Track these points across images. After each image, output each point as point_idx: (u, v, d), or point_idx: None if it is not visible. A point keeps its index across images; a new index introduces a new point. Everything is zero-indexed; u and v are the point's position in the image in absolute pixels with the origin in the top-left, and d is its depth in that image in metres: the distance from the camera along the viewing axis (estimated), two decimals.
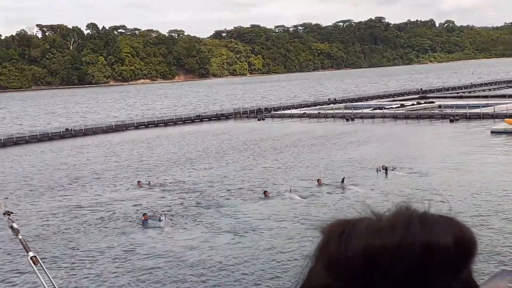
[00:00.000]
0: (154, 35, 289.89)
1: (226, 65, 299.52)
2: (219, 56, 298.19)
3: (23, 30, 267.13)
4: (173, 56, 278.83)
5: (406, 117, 71.04)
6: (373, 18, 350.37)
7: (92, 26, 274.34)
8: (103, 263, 24.14)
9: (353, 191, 33.57)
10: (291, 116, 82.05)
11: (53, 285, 4.74)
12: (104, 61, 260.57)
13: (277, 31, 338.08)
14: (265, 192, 33.84)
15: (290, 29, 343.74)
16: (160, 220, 29.44)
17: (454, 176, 35.80)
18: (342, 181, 35.20)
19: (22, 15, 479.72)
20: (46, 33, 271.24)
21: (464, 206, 28.20)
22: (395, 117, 71.69)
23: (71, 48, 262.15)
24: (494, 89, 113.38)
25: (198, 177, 41.10)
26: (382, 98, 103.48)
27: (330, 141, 55.33)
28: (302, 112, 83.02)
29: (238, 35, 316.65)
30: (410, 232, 1.02)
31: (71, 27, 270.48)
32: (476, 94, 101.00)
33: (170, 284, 21.45)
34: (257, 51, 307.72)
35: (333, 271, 1.04)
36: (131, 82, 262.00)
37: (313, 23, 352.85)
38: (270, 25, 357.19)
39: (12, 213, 5.33)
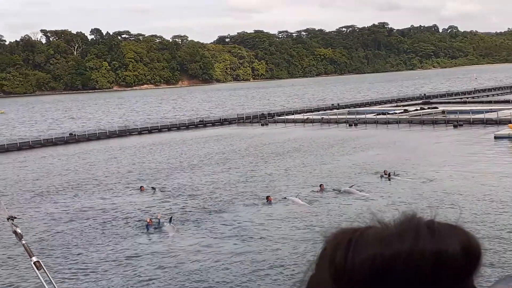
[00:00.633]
0: (157, 40, 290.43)
1: (229, 70, 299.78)
2: (223, 61, 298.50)
3: (27, 35, 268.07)
4: (177, 62, 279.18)
5: (410, 122, 70.99)
6: (376, 23, 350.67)
7: (96, 31, 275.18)
8: (106, 268, 24.15)
9: (356, 197, 33.54)
10: (294, 121, 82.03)
11: None
12: (108, 67, 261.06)
13: (280, 36, 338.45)
14: (267, 198, 33.83)
15: (294, 34, 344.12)
16: (163, 225, 29.46)
17: (458, 181, 35.74)
18: (350, 186, 35.28)
19: (26, 20, 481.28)
20: (50, 39, 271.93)
21: (468, 211, 28.14)
22: (398, 122, 71.63)
23: (75, 54, 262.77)
24: (498, 94, 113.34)
25: (201, 182, 41.10)
26: (385, 104, 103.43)
27: (333, 146, 55.30)
28: (305, 117, 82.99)
29: (242, 40, 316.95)
30: (419, 241, 1.01)
31: (75, 33, 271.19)
32: (480, 99, 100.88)
33: None
34: (260, 56, 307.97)
35: (341, 281, 1.03)
36: (134, 88, 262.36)
37: (317, 29, 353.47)
38: (273, 31, 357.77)
39: (15, 218, 5.35)
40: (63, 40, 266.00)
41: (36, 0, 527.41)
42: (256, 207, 32.84)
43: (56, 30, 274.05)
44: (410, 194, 32.73)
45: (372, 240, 1.03)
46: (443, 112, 79.10)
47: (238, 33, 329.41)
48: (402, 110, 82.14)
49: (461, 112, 71.78)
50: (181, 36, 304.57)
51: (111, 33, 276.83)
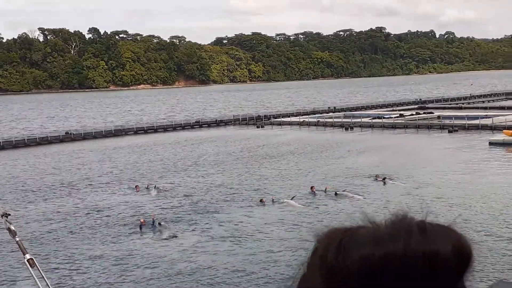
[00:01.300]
0: (155, 40, 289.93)
1: (226, 71, 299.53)
2: (220, 62, 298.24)
3: (25, 33, 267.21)
4: (174, 62, 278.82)
5: (405, 127, 71.14)
6: (373, 28, 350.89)
7: (93, 30, 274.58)
8: (100, 267, 24.19)
9: (348, 199, 33.70)
10: (290, 124, 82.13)
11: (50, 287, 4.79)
12: (105, 66, 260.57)
13: (277, 39, 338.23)
14: (261, 200, 34.01)
15: (291, 37, 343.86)
16: (158, 225, 29.50)
17: (452, 186, 35.88)
18: (343, 190, 35.49)
19: (24, 18, 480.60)
20: (48, 37, 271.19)
21: (463, 216, 28.24)
22: (394, 126, 71.79)
23: (72, 52, 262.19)
24: (493, 100, 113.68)
25: (196, 183, 41.15)
26: (381, 108, 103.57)
27: (329, 149, 55.41)
28: (301, 120, 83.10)
29: (239, 42, 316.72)
30: (410, 242, 1.02)
31: (72, 31, 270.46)
32: (475, 105, 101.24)
33: None
34: (257, 58, 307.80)
35: (332, 280, 1.04)
36: (131, 87, 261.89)
37: (314, 32, 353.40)
38: (271, 33, 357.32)
39: (9, 214, 5.39)
40: (60, 39, 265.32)
41: None
42: (249, 208, 32.93)
43: (53, 29, 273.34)
44: (403, 198, 32.83)
45: (364, 240, 1.03)
46: (438, 117, 79.33)
47: (235, 35, 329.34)
48: (398, 115, 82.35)
49: (457, 117, 72.03)
50: (179, 37, 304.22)
51: (108, 33, 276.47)
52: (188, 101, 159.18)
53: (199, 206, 34.08)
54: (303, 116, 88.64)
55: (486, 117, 70.82)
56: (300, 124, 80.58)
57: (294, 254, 23.59)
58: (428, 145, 55.92)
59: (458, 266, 1.04)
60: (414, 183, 37.54)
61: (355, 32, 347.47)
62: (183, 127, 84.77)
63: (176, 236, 28.03)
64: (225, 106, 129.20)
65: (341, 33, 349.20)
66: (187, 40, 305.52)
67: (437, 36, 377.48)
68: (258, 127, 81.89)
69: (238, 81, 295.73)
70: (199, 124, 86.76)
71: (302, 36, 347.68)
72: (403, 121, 74.54)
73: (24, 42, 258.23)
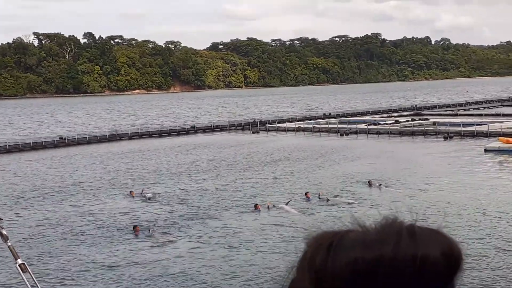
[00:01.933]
0: (150, 45, 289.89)
1: (222, 77, 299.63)
2: (215, 68, 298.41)
3: (19, 37, 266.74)
4: (169, 67, 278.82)
5: (401, 133, 71.18)
6: (369, 34, 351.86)
7: (88, 35, 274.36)
8: (93, 272, 24.00)
9: (341, 205, 33.66)
10: (285, 129, 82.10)
11: None
12: (100, 71, 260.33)
13: (273, 44, 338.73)
14: (256, 205, 33.92)
15: (287, 43, 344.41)
16: (151, 232, 29.34)
17: (447, 193, 35.83)
18: (335, 196, 35.49)
19: (19, 23, 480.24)
20: (43, 42, 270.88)
21: (457, 223, 28.19)
22: (389, 133, 71.81)
23: (67, 57, 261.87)
24: (488, 107, 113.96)
25: (191, 189, 41.01)
26: (377, 114, 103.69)
27: (324, 155, 55.35)
28: (297, 126, 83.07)
29: (235, 47, 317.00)
30: (400, 245, 1.02)
31: (67, 36, 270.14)
32: (471, 112, 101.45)
33: None
34: (253, 64, 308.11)
35: (320, 284, 1.03)
36: (126, 92, 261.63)
37: (310, 38, 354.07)
38: (266, 39, 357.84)
39: (1, 219, 5.27)
40: (55, 43, 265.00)
41: (30, 3, 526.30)
42: (244, 214, 32.81)
43: (48, 33, 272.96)
44: (397, 204, 32.74)
45: (353, 243, 1.03)
46: (434, 123, 79.45)
47: (231, 40, 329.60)
48: (393, 121, 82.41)
49: (452, 124, 72.17)
50: (174, 42, 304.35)
51: (104, 38, 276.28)
52: (183, 106, 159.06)
53: (193, 212, 33.93)
54: (299, 122, 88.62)
55: (482, 124, 70.92)
56: (296, 130, 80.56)
57: (289, 260, 23.44)
58: (423, 152, 55.92)
59: (447, 270, 1.04)
60: (409, 189, 37.49)
61: (351, 38, 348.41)
62: (178, 132, 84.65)
63: (170, 242, 27.87)
64: (221, 112, 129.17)
65: (336, 39, 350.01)
66: (182, 45, 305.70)
67: (433, 42, 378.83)
68: (253, 132, 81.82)
69: (234, 87, 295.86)
70: (194, 130, 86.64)
71: (297, 42, 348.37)
72: (398, 128, 74.59)
73: (18, 46, 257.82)
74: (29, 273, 4.73)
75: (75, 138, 76.63)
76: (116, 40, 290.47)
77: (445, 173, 42.86)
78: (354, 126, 77.52)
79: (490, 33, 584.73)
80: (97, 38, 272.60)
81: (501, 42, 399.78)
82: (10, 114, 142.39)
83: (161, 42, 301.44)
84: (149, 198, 37.87)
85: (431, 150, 56.56)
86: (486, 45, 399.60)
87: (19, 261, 4.73)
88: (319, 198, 35.47)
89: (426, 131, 70.62)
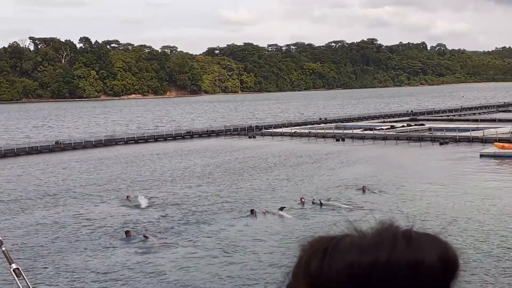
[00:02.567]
0: (147, 50, 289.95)
1: (218, 82, 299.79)
2: (211, 73, 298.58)
3: (15, 42, 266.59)
4: (165, 72, 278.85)
5: (396, 138, 71.21)
6: (365, 39, 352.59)
7: (84, 40, 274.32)
8: (88, 278, 23.92)
9: (337, 210, 33.66)
10: (282, 134, 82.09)
11: None
12: (96, 75, 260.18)
13: (269, 49, 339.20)
14: (252, 210, 33.90)
15: (283, 48, 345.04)
16: (145, 237, 29.27)
17: (443, 199, 35.85)
18: (328, 200, 35.58)
19: (15, 27, 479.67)
20: (39, 46, 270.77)
21: (453, 228, 28.18)
22: (385, 138, 71.84)
23: (63, 62, 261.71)
24: (484, 113, 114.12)
25: (186, 194, 40.94)
26: (372, 119, 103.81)
27: (320, 160, 55.36)
28: (293, 131, 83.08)
29: (231, 52, 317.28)
30: (395, 250, 1.01)
31: (63, 41, 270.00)
32: (466, 117, 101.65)
33: None
34: (249, 69, 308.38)
35: None
36: (122, 97, 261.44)
37: (306, 43, 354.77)
38: (263, 44, 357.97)
39: None
40: (51, 48, 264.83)
41: (26, 7, 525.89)
42: (240, 219, 32.76)
43: (44, 38, 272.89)
44: (392, 209, 32.76)
45: (349, 248, 1.03)
46: (429, 129, 79.54)
47: (227, 45, 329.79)
48: (389, 126, 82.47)
49: (448, 129, 72.23)
50: (171, 47, 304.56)
51: (100, 42, 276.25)
52: (179, 111, 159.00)
53: (189, 217, 33.87)
54: (295, 127, 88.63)
55: (477, 129, 71.02)
56: (292, 135, 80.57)
57: (285, 265, 23.42)
58: (419, 157, 55.97)
59: (444, 275, 1.04)
60: (405, 195, 37.49)
61: (347, 43, 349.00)
62: (174, 137, 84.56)
63: (165, 247, 27.79)
64: (217, 117, 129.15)
65: (332, 44, 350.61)
66: (178, 50, 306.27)
67: (429, 48, 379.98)
68: (249, 137, 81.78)
69: (230, 92, 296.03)
70: (190, 135, 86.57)
71: (294, 47, 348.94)
72: (394, 133, 74.65)
73: (14, 51, 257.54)
74: (24, 278, 4.70)
75: (71, 143, 76.47)
76: (112, 45, 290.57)
77: (440, 178, 42.88)
78: (350, 131, 77.56)
79: (486, 39, 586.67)
80: (93, 42, 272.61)
81: (496, 47, 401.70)
82: (5, 119, 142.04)
83: (157, 47, 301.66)
84: (144, 203, 37.79)
85: (427, 156, 56.60)
86: (482, 50, 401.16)
87: (14, 266, 4.70)
88: (313, 203, 35.51)
89: (421, 136, 70.68)
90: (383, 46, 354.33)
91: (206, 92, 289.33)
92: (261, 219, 32.71)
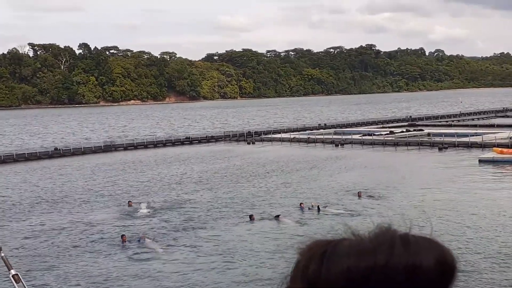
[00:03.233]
0: (146, 56, 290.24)
1: (217, 88, 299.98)
2: (210, 79, 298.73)
3: (14, 48, 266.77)
4: (164, 78, 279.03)
5: (395, 144, 71.23)
6: (364, 45, 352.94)
7: (84, 46, 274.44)
8: (86, 283, 23.89)
9: (335, 215, 33.67)
10: (280, 140, 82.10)
11: None
12: (95, 81, 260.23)
13: (268, 55, 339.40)
14: (251, 216, 33.91)
15: (282, 54, 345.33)
16: (143, 241, 29.24)
17: (441, 204, 35.85)
18: (318, 209, 35.46)
19: (14, 33, 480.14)
20: (38, 52, 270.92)
21: (451, 233, 28.20)
22: (384, 143, 71.88)
23: (62, 68, 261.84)
24: (483, 118, 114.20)
25: (185, 200, 40.94)
26: (371, 125, 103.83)
27: (319, 166, 55.38)
28: (292, 136, 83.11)
29: (230, 58, 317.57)
30: (393, 254, 1.02)
31: (63, 47, 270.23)
32: (465, 123, 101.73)
33: None
34: (248, 74, 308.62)
35: None
36: (121, 103, 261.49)
37: (305, 49, 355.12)
38: (261, 50, 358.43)
39: None
40: (50, 54, 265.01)
41: (25, 14, 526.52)
42: (239, 225, 32.76)
43: (44, 44, 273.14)
44: (390, 214, 32.74)
45: (346, 252, 1.03)
46: (428, 134, 79.58)
47: (226, 51, 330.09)
48: (388, 132, 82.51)
49: (446, 135, 72.25)
50: (170, 53, 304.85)
51: (99, 48, 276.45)
52: (178, 117, 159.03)
53: (188, 222, 33.86)
54: (294, 133, 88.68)
55: (476, 134, 71.04)
56: (291, 140, 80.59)
57: (283, 269, 23.39)
58: (418, 162, 56.01)
59: (441, 279, 1.04)
60: (404, 200, 37.49)
61: (345, 49, 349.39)
62: (173, 143, 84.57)
63: (164, 253, 27.78)
64: (216, 122, 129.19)
65: (331, 50, 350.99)
66: (177, 56, 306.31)
67: (427, 53, 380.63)
68: (248, 143, 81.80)
69: (229, 97, 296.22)
70: (189, 140, 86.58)
71: (292, 53, 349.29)
72: (393, 138, 74.68)
73: (13, 57, 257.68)
74: (22, 283, 4.71)
75: (70, 149, 76.45)
76: (111, 51, 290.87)
77: (439, 183, 42.90)
78: (349, 136, 77.60)
79: (484, 45, 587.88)
80: (92, 49, 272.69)
81: (494, 53, 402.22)
82: (4, 125, 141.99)
83: (156, 53, 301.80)
84: (144, 209, 37.80)
85: (426, 161, 56.64)
86: (480, 56, 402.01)
87: (13, 271, 4.71)
88: (309, 208, 35.53)
89: (420, 142, 70.74)
90: (382, 52, 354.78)
91: (205, 98, 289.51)
92: (259, 224, 32.71)
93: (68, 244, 30.16)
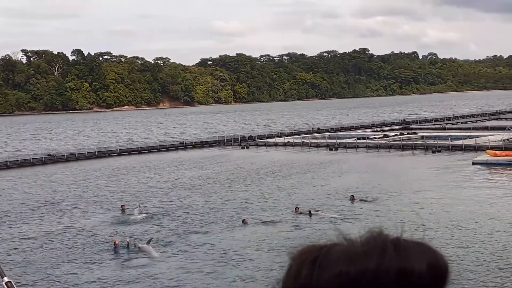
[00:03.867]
0: (139, 62, 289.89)
1: (211, 92, 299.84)
2: (204, 83, 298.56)
3: (7, 55, 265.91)
4: (158, 83, 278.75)
5: (389, 147, 71.40)
6: (357, 49, 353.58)
7: (77, 52, 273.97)
8: None
9: (327, 219, 33.68)
10: (275, 144, 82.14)
11: None
12: (89, 87, 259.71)
13: (262, 60, 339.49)
14: (243, 220, 33.97)
15: (275, 58, 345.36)
16: (135, 247, 29.17)
17: (435, 207, 35.93)
18: (310, 214, 35.37)
19: (7, 40, 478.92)
20: (31, 59, 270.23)
21: (444, 237, 28.26)
22: (378, 147, 72.03)
23: (55, 74, 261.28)
24: (476, 121, 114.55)
25: (179, 205, 40.89)
26: (365, 128, 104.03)
27: (313, 170, 55.42)
28: (286, 140, 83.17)
29: (224, 63, 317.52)
30: (385, 259, 1.02)
31: (56, 53, 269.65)
32: (458, 126, 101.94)
33: None
34: (242, 79, 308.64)
35: None
36: (115, 109, 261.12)
37: (298, 53, 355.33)
38: (255, 54, 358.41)
39: None
40: (44, 60, 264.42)
41: (18, 20, 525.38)
42: (232, 229, 32.75)
43: (37, 50, 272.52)
44: (384, 218, 32.80)
45: (338, 257, 1.03)
46: (422, 137, 79.79)
47: (220, 56, 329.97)
48: (382, 135, 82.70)
49: (440, 138, 72.46)
50: (163, 58, 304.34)
51: (92, 54, 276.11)
52: (172, 122, 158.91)
53: (182, 227, 33.82)
54: (288, 137, 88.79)
55: (470, 137, 71.30)
56: (285, 144, 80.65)
57: (275, 274, 23.38)
58: (412, 165, 56.15)
59: (433, 283, 1.03)
60: (397, 203, 37.55)
61: (339, 53, 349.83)
62: (167, 148, 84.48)
63: (159, 258, 27.74)
64: (210, 127, 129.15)
65: (325, 54, 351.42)
66: (171, 61, 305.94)
67: (420, 57, 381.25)
68: (243, 148, 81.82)
69: (223, 102, 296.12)
70: (183, 146, 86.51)
71: (286, 57, 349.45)
72: (387, 142, 74.85)
73: (7, 64, 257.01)
74: None
75: (64, 155, 76.28)
76: (104, 57, 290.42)
77: (433, 186, 43.01)
78: (343, 140, 77.71)
79: (477, 48, 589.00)
80: (85, 55, 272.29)
81: (487, 56, 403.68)
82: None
83: (150, 59, 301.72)
84: (137, 214, 37.77)
85: (420, 164, 56.77)
86: (473, 59, 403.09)
87: (6, 279, 4.71)
88: (300, 213, 35.53)
89: (414, 145, 70.91)
90: (375, 55, 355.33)
91: (199, 103, 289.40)
92: (252, 228, 32.72)
93: (61, 250, 30.08)
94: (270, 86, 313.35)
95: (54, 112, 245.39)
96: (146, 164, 67.00)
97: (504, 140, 65.19)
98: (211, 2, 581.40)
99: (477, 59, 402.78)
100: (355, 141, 76.73)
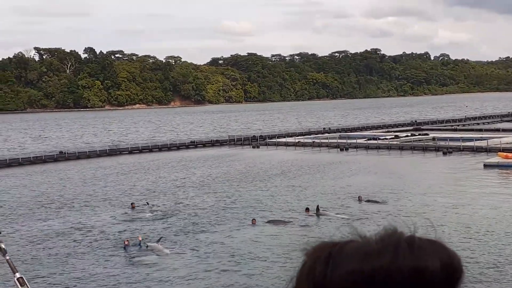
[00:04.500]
0: (151, 60, 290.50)
1: (222, 92, 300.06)
2: (215, 83, 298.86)
3: (20, 52, 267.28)
4: (170, 82, 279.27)
5: (400, 148, 71.17)
6: (368, 49, 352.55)
7: (89, 50, 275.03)
8: (90, 286, 23.92)
9: (338, 220, 33.65)
10: (285, 144, 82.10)
11: None
12: (100, 86, 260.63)
13: (273, 59, 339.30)
14: (253, 220, 34.00)
15: (286, 58, 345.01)
16: (145, 246, 29.24)
17: (446, 208, 35.80)
18: (317, 209, 35.49)
19: (20, 38, 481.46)
20: (44, 56, 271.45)
21: (456, 238, 28.15)
22: (389, 148, 71.82)
23: (67, 72, 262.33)
24: (488, 122, 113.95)
25: (189, 203, 40.97)
26: (376, 129, 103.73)
27: (323, 170, 55.34)
28: (297, 140, 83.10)
29: (235, 62, 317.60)
30: (398, 257, 1.01)
31: (68, 51, 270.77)
32: (470, 127, 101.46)
33: None
34: (253, 79, 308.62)
35: None
36: (126, 107, 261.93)
37: (309, 53, 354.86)
38: (266, 54, 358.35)
39: (0, 232, 5.30)
40: (56, 58, 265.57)
41: (31, 18, 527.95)
42: (241, 229, 32.78)
43: (49, 48, 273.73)
44: (395, 219, 32.72)
45: (352, 255, 1.03)
46: (433, 138, 79.47)
47: (231, 55, 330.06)
48: (393, 136, 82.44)
49: (451, 139, 72.14)
50: (175, 57, 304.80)
51: (104, 52, 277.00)
52: (183, 121, 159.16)
53: (191, 226, 33.89)
54: (299, 137, 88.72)
55: (481, 139, 70.94)
56: (296, 144, 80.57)
57: (288, 271, 23.38)
58: (423, 167, 55.92)
59: (447, 281, 1.03)
60: (408, 204, 37.44)
61: (350, 53, 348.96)
62: (178, 147, 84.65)
63: (168, 257, 27.81)
64: (221, 126, 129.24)
65: (336, 54, 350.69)
66: (182, 60, 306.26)
67: (432, 58, 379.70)
68: (253, 147, 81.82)
69: (234, 101, 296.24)
70: (194, 144, 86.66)
71: (297, 57, 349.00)
72: (398, 143, 74.60)
73: (19, 61, 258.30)
74: (27, 287, 4.75)
75: (75, 153, 76.61)
76: (116, 55, 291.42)
77: (444, 188, 42.84)
78: (354, 141, 77.54)
79: (489, 49, 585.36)
80: (97, 53, 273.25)
81: (500, 57, 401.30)
82: (9, 129, 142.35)
83: (161, 57, 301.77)
84: (147, 212, 37.92)
85: (431, 165, 56.55)
86: (485, 60, 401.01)
87: (17, 275, 4.75)
88: (310, 215, 35.50)
89: (425, 146, 70.65)
90: (387, 56, 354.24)
91: (210, 102, 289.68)
92: (261, 228, 32.73)
93: (72, 247, 30.23)
94: (281, 86, 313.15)
95: (66, 110, 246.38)
96: (156, 162, 67.16)
97: None
98: (221, 2, 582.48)
99: (489, 60, 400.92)
100: (366, 142, 76.57)
